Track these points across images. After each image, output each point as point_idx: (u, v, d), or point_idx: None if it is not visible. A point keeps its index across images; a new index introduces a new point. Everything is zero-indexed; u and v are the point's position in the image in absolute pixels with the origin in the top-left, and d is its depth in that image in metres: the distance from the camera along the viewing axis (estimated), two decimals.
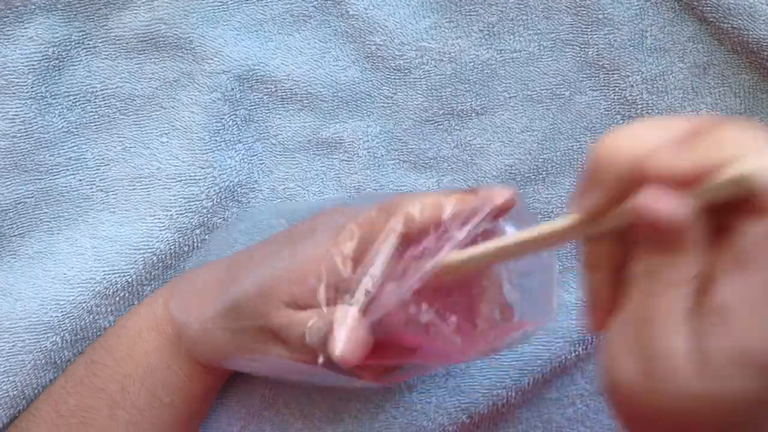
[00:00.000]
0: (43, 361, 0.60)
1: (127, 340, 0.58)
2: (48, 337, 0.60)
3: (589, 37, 0.62)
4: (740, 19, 0.60)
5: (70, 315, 0.60)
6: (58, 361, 0.61)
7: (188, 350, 0.57)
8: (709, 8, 0.60)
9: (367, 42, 0.62)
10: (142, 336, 0.58)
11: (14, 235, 0.62)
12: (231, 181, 0.62)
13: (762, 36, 0.60)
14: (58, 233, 0.62)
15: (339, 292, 0.50)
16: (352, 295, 0.49)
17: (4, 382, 0.59)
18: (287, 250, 0.53)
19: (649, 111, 0.62)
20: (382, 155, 0.63)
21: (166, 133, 0.62)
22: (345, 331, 0.48)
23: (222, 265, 0.57)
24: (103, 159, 0.62)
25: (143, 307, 0.59)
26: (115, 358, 0.58)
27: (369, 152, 0.63)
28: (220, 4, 0.62)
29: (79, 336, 0.61)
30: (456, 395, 0.62)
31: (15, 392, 0.60)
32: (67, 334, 0.60)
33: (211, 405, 0.61)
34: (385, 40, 0.62)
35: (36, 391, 0.60)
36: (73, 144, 0.62)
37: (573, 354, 0.62)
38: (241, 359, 0.55)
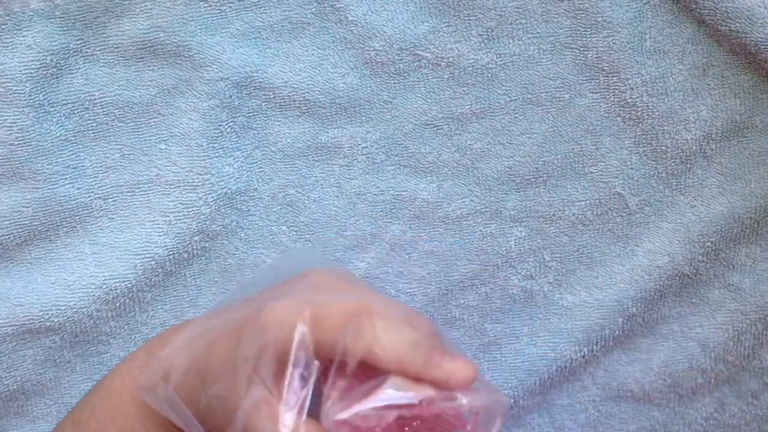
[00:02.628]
0: (42, 358, 0.61)
1: (109, 402, 0.57)
2: (48, 335, 0.61)
3: (588, 40, 0.62)
4: (738, 22, 0.60)
5: (71, 320, 0.61)
6: (57, 360, 0.61)
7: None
8: (707, 11, 0.61)
9: (366, 48, 0.62)
10: (123, 399, 0.57)
11: (11, 244, 0.61)
12: (229, 189, 0.62)
13: (760, 39, 0.60)
14: (56, 240, 0.62)
15: None
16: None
17: (5, 377, 0.60)
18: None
19: (650, 113, 0.62)
20: (382, 160, 0.63)
21: (164, 140, 0.62)
22: None
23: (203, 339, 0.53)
24: (101, 166, 0.62)
25: (124, 366, 0.59)
26: (98, 420, 0.57)
27: (368, 158, 0.63)
28: (218, 11, 0.62)
29: (79, 338, 0.61)
30: None
31: (15, 387, 0.61)
32: (67, 336, 0.61)
33: None
34: (384, 45, 0.62)
35: (35, 387, 0.60)
36: (71, 152, 0.62)
37: (579, 354, 0.62)
38: None
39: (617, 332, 0.63)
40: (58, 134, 0.62)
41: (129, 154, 0.62)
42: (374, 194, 0.63)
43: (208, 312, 0.56)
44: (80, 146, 0.62)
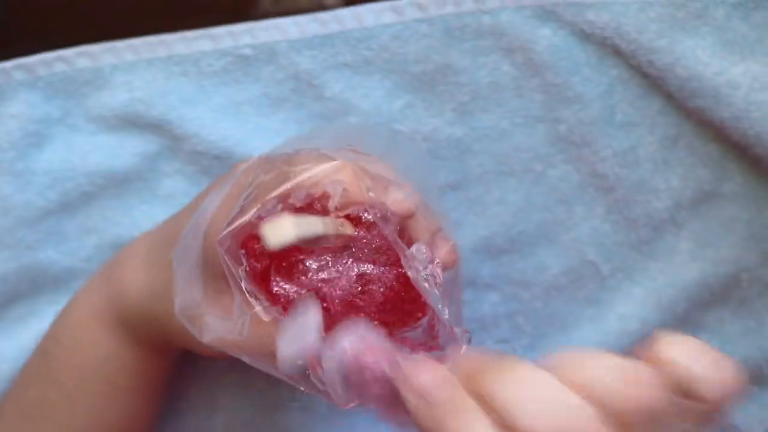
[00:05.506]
0: None
1: (72, 331, 0.58)
2: None
3: (560, 113, 0.63)
4: (704, 100, 0.61)
5: None
6: None
7: (138, 332, 0.57)
8: (674, 88, 0.61)
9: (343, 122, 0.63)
10: (88, 326, 0.58)
11: None
12: None
13: (725, 117, 0.61)
14: (40, 297, 0.63)
15: None
16: None
17: None
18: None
19: (621, 183, 0.63)
20: None
21: (147, 202, 0.63)
22: None
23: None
24: (83, 229, 0.63)
25: (82, 294, 0.59)
26: (64, 349, 0.58)
27: None
28: (198, 87, 0.62)
29: None
30: None
31: None
32: None
33: (171, 382, 0.62)
34: (360, 120, 0.63)
35: None
36: (54, 221, 0.63)
37: None
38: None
39: None
40: (41, 205, 0.63)
41: (111, 217, 0.63)
42: None
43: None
44: (62, 214, 0.63)
